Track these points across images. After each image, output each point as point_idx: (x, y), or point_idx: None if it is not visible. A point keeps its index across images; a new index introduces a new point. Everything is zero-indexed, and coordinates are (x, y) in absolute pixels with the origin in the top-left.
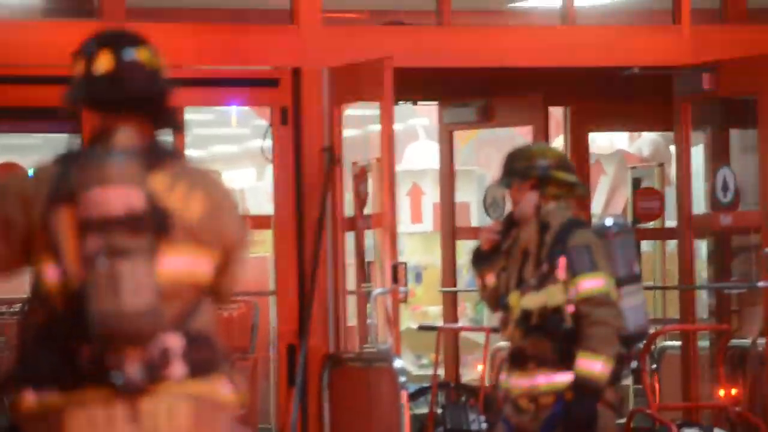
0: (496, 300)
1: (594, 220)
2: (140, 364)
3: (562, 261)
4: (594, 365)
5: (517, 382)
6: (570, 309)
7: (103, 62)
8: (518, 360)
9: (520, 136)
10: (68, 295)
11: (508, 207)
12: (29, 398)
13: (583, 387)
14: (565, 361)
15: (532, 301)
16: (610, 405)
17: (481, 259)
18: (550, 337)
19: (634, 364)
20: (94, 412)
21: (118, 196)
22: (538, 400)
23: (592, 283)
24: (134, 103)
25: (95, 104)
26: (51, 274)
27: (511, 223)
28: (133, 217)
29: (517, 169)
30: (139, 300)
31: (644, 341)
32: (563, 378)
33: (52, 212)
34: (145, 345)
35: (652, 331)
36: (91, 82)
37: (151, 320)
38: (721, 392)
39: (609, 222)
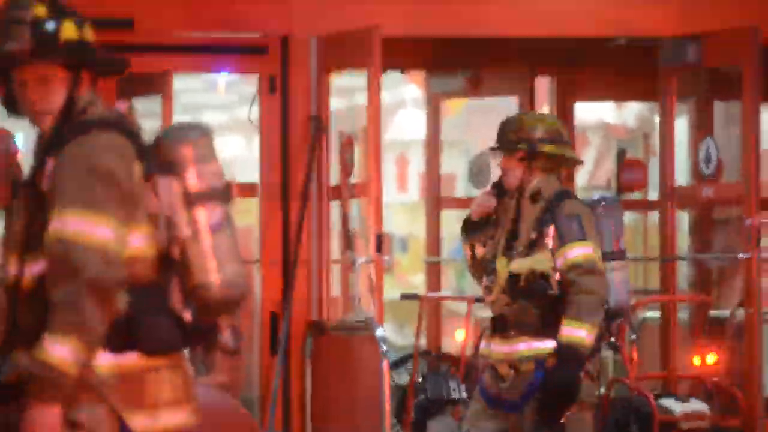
0: (483, 270)
1: (578, 192)
2: (231, 329)
3: (551, 229)
4: (578, 332)
5: (498, 348)
6: (557, 277)
7: (89, 31)
8: (500, 326)
9: (512, 106)
10: (166, 262)
11: (494, 177)
12: (111, 360)
13: (566, 354)
14: (547, 329)
15: (520, 265)
16: (590, 375)
17: (470, 229)
18: (535, 303)
19: (612, 339)
20: (167, 374)
21: (221, 168)
22: (519, 367)
23: (580, 251)
24: None
25: (97, 70)
26: (143, 242)
27: (500, 191)
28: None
29: (506, 141)
30: (243, 265)
31: (623, 318)
32: (544, 345)
33: (155, 184)
34: (237, 310)
35: (633, 301)
36: (91, 49)
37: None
38: (697, 362)
39: (597, 197)
